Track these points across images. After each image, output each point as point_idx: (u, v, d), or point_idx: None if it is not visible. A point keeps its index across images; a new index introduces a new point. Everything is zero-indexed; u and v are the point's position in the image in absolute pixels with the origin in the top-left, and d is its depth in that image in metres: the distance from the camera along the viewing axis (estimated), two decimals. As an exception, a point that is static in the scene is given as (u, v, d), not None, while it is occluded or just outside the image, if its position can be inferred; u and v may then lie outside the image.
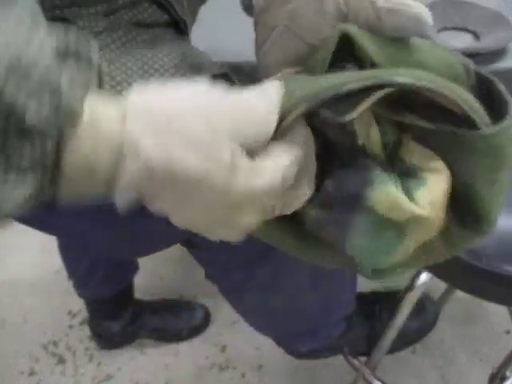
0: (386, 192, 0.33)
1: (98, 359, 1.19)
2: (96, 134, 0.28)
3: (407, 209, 0.33)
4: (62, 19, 0.48)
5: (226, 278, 0.76)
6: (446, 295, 1.12)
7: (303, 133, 0.33)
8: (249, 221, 0.32)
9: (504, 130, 0.30)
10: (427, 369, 1.13)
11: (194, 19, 0.68)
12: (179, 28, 0.59)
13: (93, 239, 0.62)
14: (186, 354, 1.19)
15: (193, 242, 0.68)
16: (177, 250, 1.34)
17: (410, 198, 0.33)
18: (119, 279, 1.09)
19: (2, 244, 1.41)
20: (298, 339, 0.88)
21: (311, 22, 0.38)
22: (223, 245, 0.65)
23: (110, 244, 0.63)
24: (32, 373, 1.17)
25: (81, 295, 1.10)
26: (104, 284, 1.06)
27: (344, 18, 0.36)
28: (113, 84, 0.43)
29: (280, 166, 0.31)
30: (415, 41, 0.35)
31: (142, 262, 1.12)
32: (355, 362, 0.98)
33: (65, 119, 0.27)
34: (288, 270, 0.73)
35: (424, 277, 0.76)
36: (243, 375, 1.15)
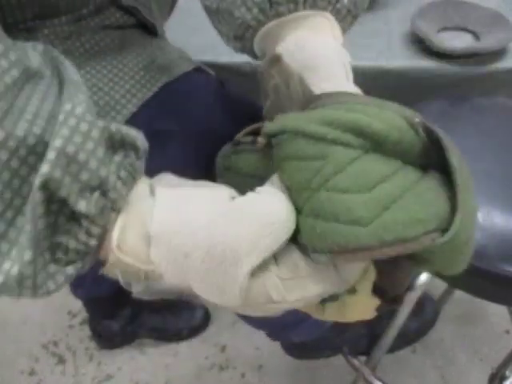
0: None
1: (97, 359, 1.19)
2: (125, 255, 0.31)
3: None
4: (27, 30, 0.48)
5: None
6: (445, 295, 1.12)
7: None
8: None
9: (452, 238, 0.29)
10: (427, 369, 1.13)
11: (165, 19, 0.67)
12: (147, 28, 0.59)
13: None
14: (185, 354, 1.19)
15: None
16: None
17: None
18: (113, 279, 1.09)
19: (2, 244, 1.41)
20: (289, 328, 0.88)
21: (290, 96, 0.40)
22: None
23: None
24: (32, 373, 1.17)
25: (77, 296, 1.10)
26: (99, 281, 1.05)
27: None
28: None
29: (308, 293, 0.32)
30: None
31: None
32: (355, 361, 0.98)
33: (108, 215, 0.30)
34: None
35: (424, 277, 0.75)
36: (243, 375, 1.15)
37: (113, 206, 0.30)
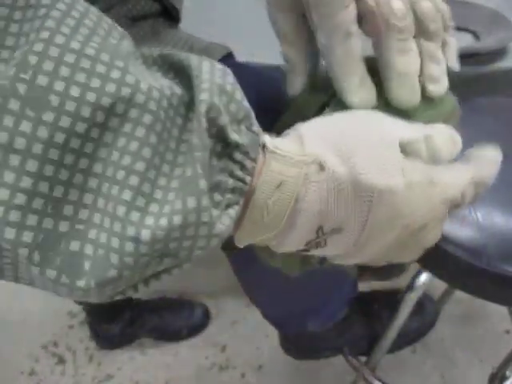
0: None
1: (97, 359, 1.19)
2: (280, 153, 0.28)
3: None
4: None
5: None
6: (445, 295, 1.12)
7: None
8: (434, 235, 0.32)
9: None
10: (427, 369, 1.13)
11: (181, 5, 0.68)
12: (171, 16, 0.60)
13: None
14: (186, 354, 1.19)
15: None
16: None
17: None
18: None
19: (1, 244, 1.41)
20: (309, 313, 0.87)
21: None
22: None
23: None
24: (32, 373, 1.17)
25: (77, 301, 1.10)
26: None
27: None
28: None
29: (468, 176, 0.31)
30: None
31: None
32: (355, 361, 0.98)
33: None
34: None
35: (424, 277, 0.75)
36: (243, 375, 1.15)
37: (259, 139, 0.28)
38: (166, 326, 1.19)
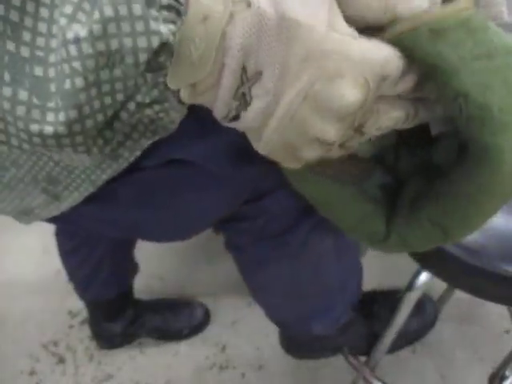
0: None
1: (97, 359, 1.19)
2: None
3: None
4: None
5: (255, 247, 0.74)
6: (445, 295, 1.12)
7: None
8: (332, 129, 0.32)
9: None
10: (427, 369, 1.13)
11: None
12: None
13: (144, 224, 0.61)
14: (186, 354, 1.19)
15: (234, 214, 0.67)
16: (177, 251, 1.34)
17: None
18: (120, 282, 1.09)
19: (2, 244, 1.41)
20: (314, 316, 0.87)
21: None
22: (262, 212, 0.64)
23: (157, 225, 0.62)
24: (32, 373, 1.17)
25: (83, 298, 1.10)
26: (105, 287, 1.06)
27: None
28: None
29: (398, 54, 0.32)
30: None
31: (142, 262, 1.12)
32: (355, 361, 0.98)
33: None
34: (317, 237, 0.72)
35: (424, 277, 0.76)
36: (243, 375, 1.15)
37: None
38: (166, 326, 1.19)
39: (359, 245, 0.91)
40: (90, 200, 0.49)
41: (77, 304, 1.20)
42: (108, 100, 0.29)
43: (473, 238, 0.60)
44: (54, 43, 0.27)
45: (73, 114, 0.28)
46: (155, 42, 0.27)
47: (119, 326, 1.15)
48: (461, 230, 0.37)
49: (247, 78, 0.30)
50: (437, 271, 0.70)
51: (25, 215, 0.51)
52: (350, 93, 0.30)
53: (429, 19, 0.31)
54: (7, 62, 0.27)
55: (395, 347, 0.97)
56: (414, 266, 0.75)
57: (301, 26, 0.29)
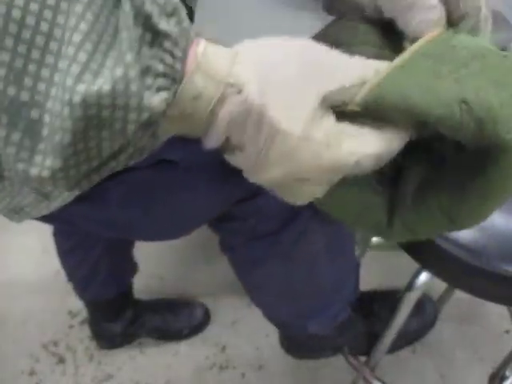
0: None
1: (97, 359, 1.19)
2: (207, 65, 0.31)
3: None
4: None
5: (248, 247, 0.75)
6: (445, 295, 1.12)
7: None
8: (311, 192, 0.35)
9: None
10: (427, 369, 1.13)
11: (195, 5, 0.68)
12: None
13: (138, 223, 0.63)
14: (186, 354, 1.19)
15: (227, 214, 0.68)
16: (177, 250, 1.34)
17: None
18: (119, 282, 1.09)
19: (1, 244, 1.41)
20: (310, 316, 0.88)
21: None
22: (254, 211, 0.66)
23: (150, 225, 0.63)
24: (32, 373, 1.17)
25: (83, 298, 1.10)
26: (104, 287, 1.06)
27: None
28: None
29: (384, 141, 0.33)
30: None
31: (142, 262, 1.12)
32: (355, 361, 0.98)
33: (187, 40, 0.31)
34: (309, 238, 0.73)
35: (424, 277, 0.76)
36: (243, 375, 1.15)
37: (189, 32, 0.31)
38: (166, 326, 1.19)
39: (357, 244, 0.91)
40: (80, 199, 0.49)
41: (77, 304, 1.20)
42: (94, 153, 0.31)
43: (473, 237, 0.60)
44: (53, 91, 0.28)
45: (58, 163, 0.30)
46: (145, 116, 0.30)
47: (119, 325, 1.15)
48: (468, 220, 0.37)
49: (231, 145, 0.34)
50: (437, 271, 0.70)
51: (15, 214, 0.51)
52: (316, 190, 0.35)
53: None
54: (6, 106, 0.28)
55: (395, 347, 0.97)
56: (414, 265, 0.74)
57: (278, 132, 0.31)
